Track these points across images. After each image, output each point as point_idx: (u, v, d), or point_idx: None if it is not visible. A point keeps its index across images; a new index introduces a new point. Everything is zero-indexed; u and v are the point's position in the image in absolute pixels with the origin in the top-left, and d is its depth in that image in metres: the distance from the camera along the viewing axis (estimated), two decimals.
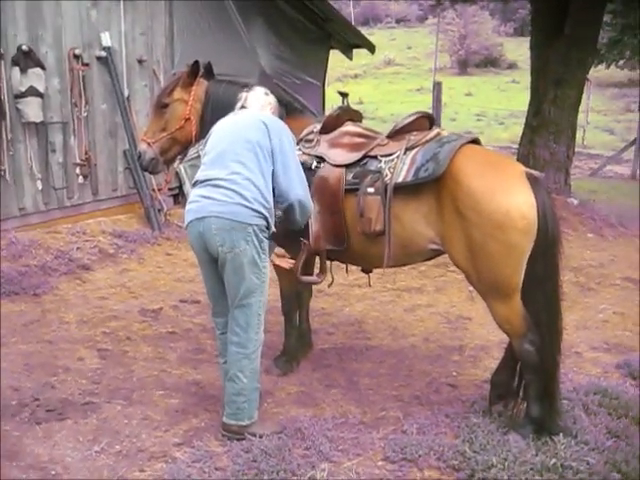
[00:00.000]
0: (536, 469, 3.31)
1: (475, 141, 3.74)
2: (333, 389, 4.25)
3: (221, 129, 3.60)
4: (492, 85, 32.58)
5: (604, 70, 18.76)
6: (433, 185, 3.55)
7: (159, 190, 7.62)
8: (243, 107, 3.74)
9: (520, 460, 3.35)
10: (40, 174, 6.74)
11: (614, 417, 3.81)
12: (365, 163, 3.80)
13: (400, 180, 3.61)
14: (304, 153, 3.88)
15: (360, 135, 3.94)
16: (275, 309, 4.64)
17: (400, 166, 3.63)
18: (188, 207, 3.53)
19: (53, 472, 3.28)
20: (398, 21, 49.50)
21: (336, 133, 4.00)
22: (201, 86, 4.20)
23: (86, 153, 7.13)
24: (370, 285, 4.76)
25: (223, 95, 4.13)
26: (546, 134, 8.69)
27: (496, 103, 25.14)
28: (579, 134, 11.44)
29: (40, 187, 6.75)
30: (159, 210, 7.61)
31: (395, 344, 5.03)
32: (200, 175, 3.55)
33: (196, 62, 4.22)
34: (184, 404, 3.98)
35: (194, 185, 3.57)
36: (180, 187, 8.25)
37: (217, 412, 3.85)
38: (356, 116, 4.16)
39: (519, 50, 39.07)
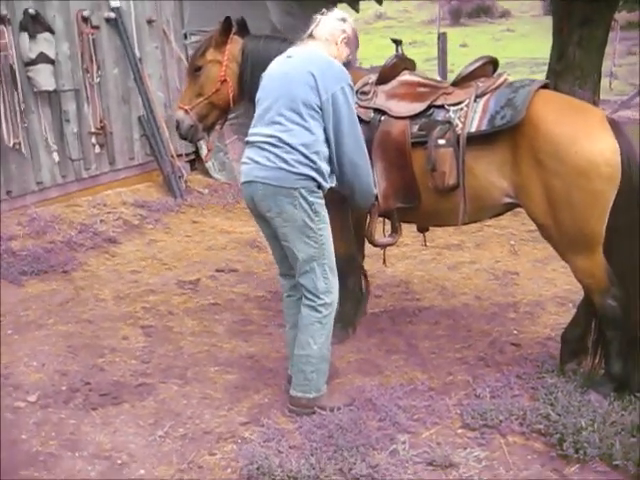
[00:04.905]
0: (627, 430, 3.13)
1: (546, 85, 3.49)
2: (394, 355, 4.07)
3: (270, 78, 3.33)
4: (487, 35, 32.04)
5: None
6: (508, 133, 3.31)
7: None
8: (311, 36, 3.38)
9: (609, 421, 3.18)
10: (56, 145, 6.45)
11: None
12: (431, 114, 3.53)
13: (474, 129, 3.35)
14: (360, 106, 3.59)
15: (421, 84, 3.67)
16: None
17: (472, 115, 3.38)
18: (241, 167, 3.36)
19: (119, 461, 3.09)
20: None
21: (394, 83, 3.71)
22: (236, 44, 3.90)
23: (101, 121, 6.83)
24: (426, 245, 4.54)
25: (263, 51, 3.81)
26: (571, 79, 8.34)
27: (492, 52, 24.60)
28: (605, 80, 10.99)
29: (57, 159, 6.46)
30: (180, 177, 7.34)
31: (446, 304, 4.83)
32: (250, 131, 3.34)
33: (227, 18, 3.89)
34: (242, 379, 3.79)
35: (246, 144, 3.35)
36: (196, 152, 7.99)
37: (278, 386, 3.68)
38: (411, 65, 3.87)
39: None
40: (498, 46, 28.16)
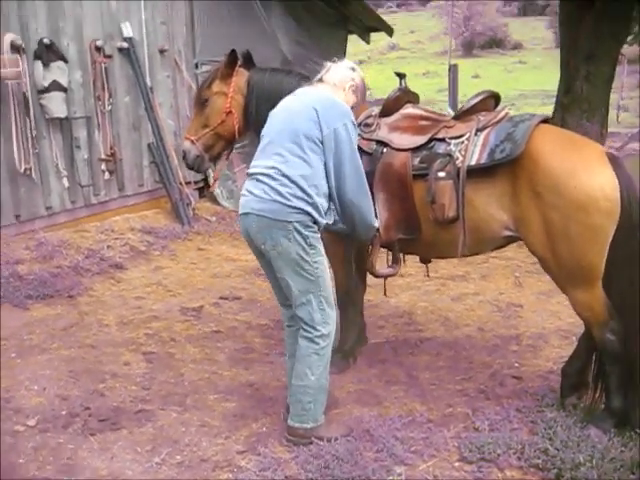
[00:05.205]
0: (627, 466, 3.11)
1: (546, 120, 3.52)
2: (394, 385, 4.06)
3: (275, 114, 3.39)
4: (499, 66, 32.27)
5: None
6: (508, 166, 3.33)
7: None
8: (320, 80, 3.46)
9: (608, 457, 3.15)
10: (66, 171, 6.54)
11: None
12: (432, 146, 3.57)
13: (474, 162, 3.39)
14: (364, 138, 3.65)
15: (423, 117, 3.72)
16: None
17: (472, 148, 3.42)
18: (240, 200, 3.38)
19: None
20: (399, 5, 49.19)
21: (397, 116, 3.77)
22: (241, 76, 3.97)
23: (111, 148, 6.93)
24: (428, 275, 4.54)
25: (268, 84, 3.89)
26: (579, 112, 8.38)
27: (504, 84, 24.86)
28: (613, 112, 11.05)
29: (67, 185, 6.55)
30: (187, 204, 7.41)
31: (449, 335, 4.82)
32: (251, 164, 3.38)
33: (233, 51, 3.96)
34: (241, 408, 3.79)
35: (247, 176, 3.39)
36: (205, 180, 8.07)
37: (277, 415, 3.67)
38: (415, 98, 3.92)
39: (524, 30, 38.80)
40: (510, 78, 28.36)
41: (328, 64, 3.50)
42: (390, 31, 11.38)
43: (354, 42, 12.20)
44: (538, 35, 36.85)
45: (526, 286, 5.81)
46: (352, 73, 3.48)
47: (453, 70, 13.92)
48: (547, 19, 35.09)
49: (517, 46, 36.50)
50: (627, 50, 14.27)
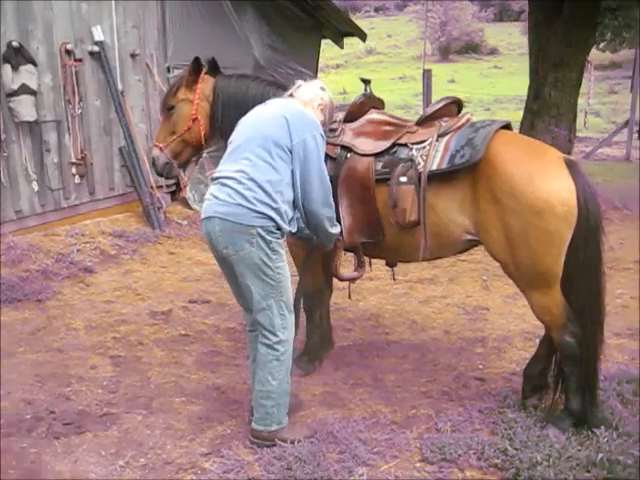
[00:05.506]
0: (582, 465, 3.17)
1: (507, 126, 3.59)
2: (359, 388, 4.10)
3: (244, 122, 3.42)
4: (475, 71, 32.55)
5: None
6: (468, 172, 3.40)
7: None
8: (290, 96, 3.53)
9: (565, 456, 3.22)
10: (35, 175, 6.52)
11: None
12: (395, 152, 3.63)
13: (434, 167, 3.45)
14: (328, 143, 3.68)
15: (387, 123, 3.77)
16: None
17: (433, 153, 3.48)
18: (203, 204, 3.39)
19: None
20: (377, 10, 49.42)
21: (361, 121, 3.83)
22: (207, 83, 4.00)
23: (82, 152, 6.92)
24: (394, 279, 4.59)
25: (234, 90, 3.93)
26: (547, 118, 8.55)
27: (480, 89, 25.09)
28: (580, 117, 11.27)
29: (36, 189, 6.53)
30: (159, 208, 7.40)
31: (415, 338, 4.88)
32: (216, 170, 3.39)
33: (197, 59, 3.99)
34: (207, 411, 3.81)
35: (212, 180, 3.41)
36: (177, 183, 8.07)
37: (242, 418, 3.70)
38: (379, 103, 3.98)
39: (500, 36, 39.17)
40: (486, 82, 28.61)
41: (299, 82, 3.58)
42: (363, 36, 11.44)
43: (331, 46, 12.25)
44: (514, 40, 37.24)
45: (493, 289, 5.89)
46: (322, 92, 3.56)
47: (427, 75, 14.03)
48: (523, 25, 35.43)
49: (493, 51, 36.86)
50: (593, 57, 14.50)
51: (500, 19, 43.29)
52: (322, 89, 3.57)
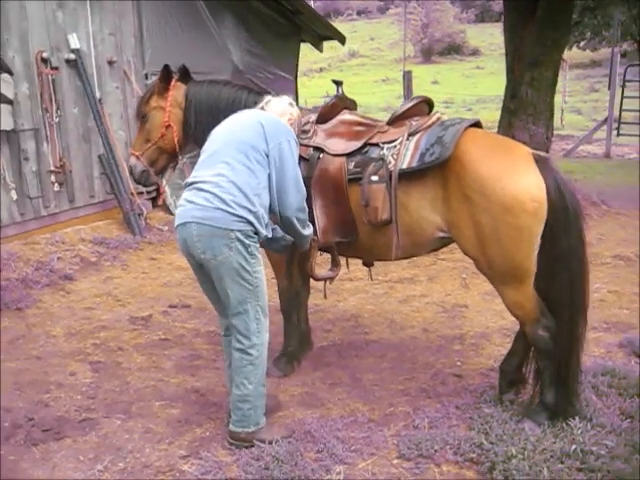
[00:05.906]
0: (556, 456, 3.22)
1: (477, 124, 3.63)
2: (337, 387, 4.13)
3: (219, 129, 3.45)
4: (457, 72, 32.75)
5: (566, 52, 18.87)
6: (438, 170, 3.43)
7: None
8: (262, 109, 3.60)
9: (539, 448, 3.26)
10: (14, 184, 6.51)
11: (625, 397, 3.74)
12: (366, 151, 3.67)
13: (405, 166, 3.49)
14: (301, 144, 3.72)
15: (358, 123, 3.82)
16: (271, 308, 4.49)
17: (404, 152, 3.52)
18: (176, 211, 3.39)
19: None
20: (359, 13, 49.62)
21: (333, 122, 3.87)
22: (179, 90, 4.04)
23: (60, 160, 6.92)
24: (372, 279, 4.63)
25: (206, 96, 3.98)
26: (524, 116, 8.64)
27: (462, 89, 25.24)
28: (556, 115, 11.41)
29: (15, 197, 6.51)
30: (139, 214, 7.41)
31: (394, 337, 4.92)
32: (190, 176, 3.41)
33: (166, 66, 4.04)
34: (186, 414, 3.83)
35: (185, 187, 3.43)
36: (158, 190, 8.07)
37: (221, 420, 3.72)
38: (352, 104, 4.02)
39: (481, 36, 39.41)
40: (469, 83, 28.77)
41: (268, 97, 3.67)
42: (343, 39, 11.51)
43: (314, 50, 12.30)
44: (495, 41, 37.45)
45: (472, 287, 5.93)
46: (290, 108, 3.65)
47: (407, 77, 14.09)
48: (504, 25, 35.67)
49: (475, 52, 37.11)
50: (574, 55, 14.67)
51: (481, 20, 43.56)
52: (291, 104, 3.67)
